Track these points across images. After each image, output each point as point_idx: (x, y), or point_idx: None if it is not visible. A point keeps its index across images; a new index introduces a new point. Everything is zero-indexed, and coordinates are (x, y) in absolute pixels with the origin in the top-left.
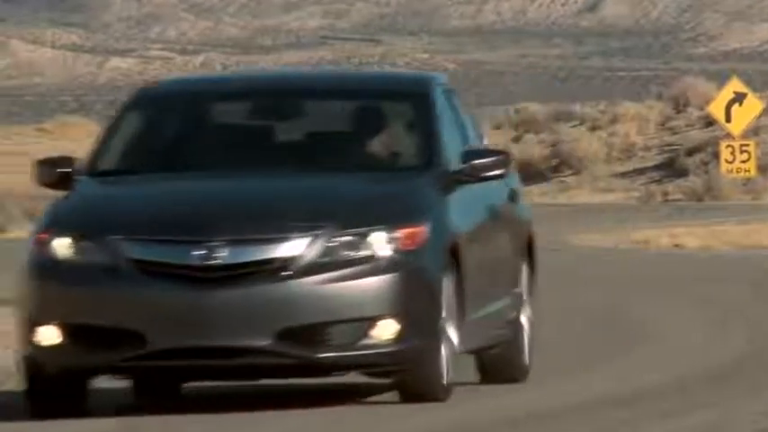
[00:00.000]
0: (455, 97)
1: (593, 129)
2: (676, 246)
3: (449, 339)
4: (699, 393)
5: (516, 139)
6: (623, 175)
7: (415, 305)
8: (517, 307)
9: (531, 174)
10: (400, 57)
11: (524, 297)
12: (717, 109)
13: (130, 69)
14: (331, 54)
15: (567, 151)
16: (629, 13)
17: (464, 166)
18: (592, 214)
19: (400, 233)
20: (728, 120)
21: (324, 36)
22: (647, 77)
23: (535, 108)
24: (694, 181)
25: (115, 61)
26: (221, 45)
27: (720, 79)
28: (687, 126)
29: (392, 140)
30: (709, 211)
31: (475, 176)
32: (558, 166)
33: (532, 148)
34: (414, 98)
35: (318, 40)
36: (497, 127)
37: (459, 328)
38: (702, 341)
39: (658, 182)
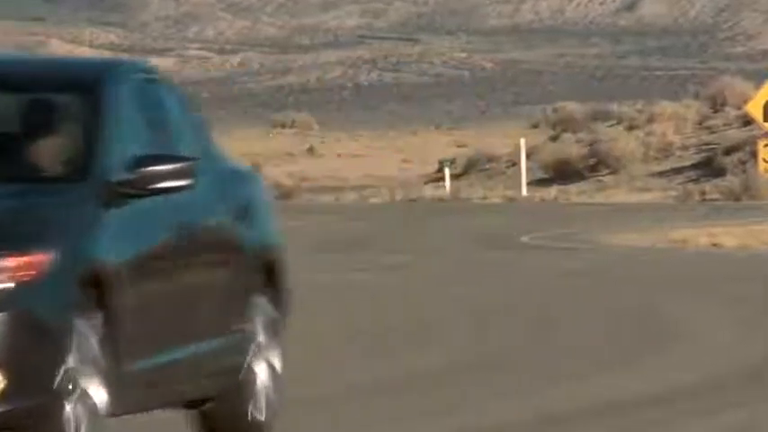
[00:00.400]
0: (164, 90)
1: (631, 128)
2: (714, 245)
3: (85, 396)
4: (731, 392)
5: (554, 139)
6: (660, 174)
7: (27, 354)
8: (243, 350)
9: (568, 173)
10: (438, 56)
11: (260, 339)
12: (754, 108)
13: (168, 69)
14: (369, 53)
15: (604, 150)
16: (666, 12)
17: (132, 175)
18: (629, 214)
19: (10, 262)
20: (766, 119)
21: (361, 35)
22: (684, 77)
23: (573, 107)
24: (732, 180)
25: (153, 61)
26: (259, 44)
27: (758, 78)
28: (725, 125)
29: (49, 143)
30: (746, 211)
31: (145, 188)
32: (595, 165)
33: (570, 147)
34: (79, 90)
35: (356, 40)
36: (535, 126)
37: (112, 382)
38: (736, 340)
39: (696, 181)
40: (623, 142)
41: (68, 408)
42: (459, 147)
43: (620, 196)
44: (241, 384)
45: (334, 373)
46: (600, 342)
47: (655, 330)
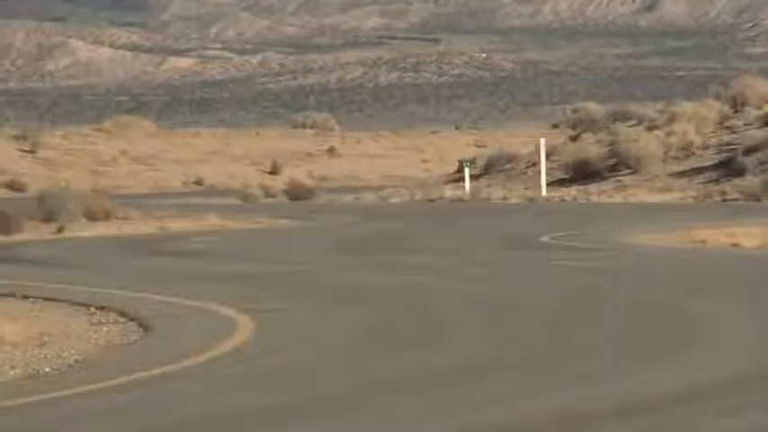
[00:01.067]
0: None
1: (651, 128)
2: (734, 245)
3: None
4: (754, 392)
5: (574, 139)
6: (681, 174)
7: None
8: None
9: (588, 173)
10: (458, 56)
11: None
12: None
13: (188, 69)
14: (389, 54)
15: (624, 151)
16: (686, 12)
17: None
18: (649, 214)
19: None
20: None
21: (381, 36)
22: (705, 77)
23: (593, 107)
24: (752, 180)
25: (173, 61)
26: (279, 44)
27: None
28: (745, 125)
29: None
30: (766, 211)
31: None
32: (615, 165)
33: (590, 147)
34: None
35: (376, 40)
36: (555, 126)
37: None
38: (758, 340)
39: (716, 181)
40: (643, 142)
41: None
42: (479, 147)
43: (641, 196)
44: None
45: (357, 370)
46: (623, 341)
47: (677, 329)
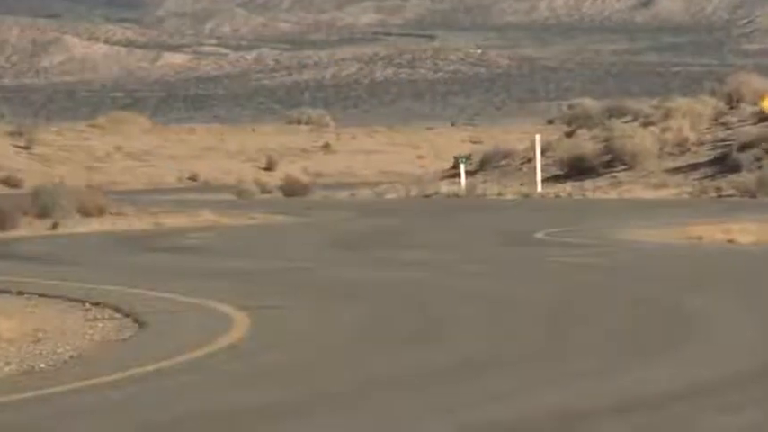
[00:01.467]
0: None
1: (646, 124)
2: (730, 241)
3: None
4: (753, 389)
5: (569, 135)
6: (676, 170)
7: None
8: None
9: (583, 169)
10: (454, 52)
11: None
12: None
13: (183, 65)
14: (384, 50)
15: (619, 147)
16: (682, 8)
17: None
18: (644, 210)
19: None
20: None
21: (376, 32)
22: (700, 73)
23: (588, 104)
24: (747, 177)
25: (168, 57)
26: (274, 41)
27: None
28: (740, 121)
29: None
30: (762, 207)
31: None
32: (610, 161)
33: (585, 143)
34: None
35: (372, 36)
36: (550, 122)
37: None
38: (756, 337)
39: (711, 177)
40: (639, 138)
41: None
42: (474, 143)
43: (636, 192)
44: None
45: (355, 367)
46: (621, 338)
47: (675, 326)
